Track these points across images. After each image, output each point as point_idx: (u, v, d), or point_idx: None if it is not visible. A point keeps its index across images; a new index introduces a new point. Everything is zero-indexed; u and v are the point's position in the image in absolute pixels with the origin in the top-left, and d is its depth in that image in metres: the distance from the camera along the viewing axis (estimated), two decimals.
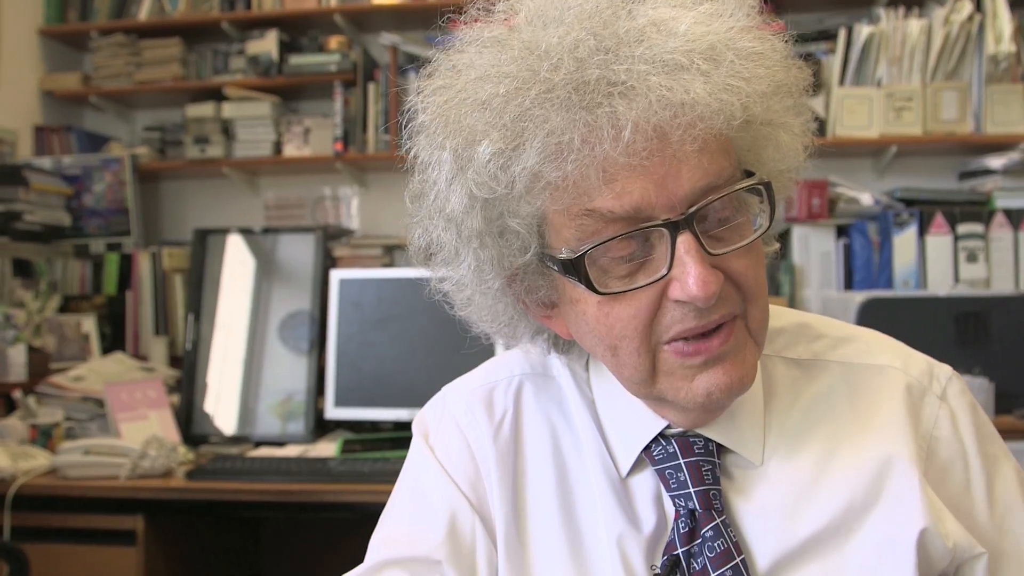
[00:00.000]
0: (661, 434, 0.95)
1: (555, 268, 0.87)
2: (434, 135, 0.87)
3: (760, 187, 0.85)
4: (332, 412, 2.83)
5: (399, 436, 2.69)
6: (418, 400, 2.68)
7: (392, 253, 3.36)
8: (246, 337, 3.04)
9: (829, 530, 0.92)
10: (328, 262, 3.17)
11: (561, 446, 1.00)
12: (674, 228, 0.81)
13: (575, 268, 0.84)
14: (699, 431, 0.94)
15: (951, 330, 2.66)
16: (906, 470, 0.92)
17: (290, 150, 3.41)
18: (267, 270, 3.10)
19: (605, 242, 0.82)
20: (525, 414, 1.02)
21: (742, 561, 0.90)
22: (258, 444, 2.87)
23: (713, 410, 0.91)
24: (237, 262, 3.13)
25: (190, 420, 2.94)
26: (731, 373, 0.86)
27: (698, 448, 0.94)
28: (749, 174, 0.86)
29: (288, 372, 2.98)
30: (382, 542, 1.00)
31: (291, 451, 2.70)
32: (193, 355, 3.02)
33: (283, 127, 3.44)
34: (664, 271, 0.82)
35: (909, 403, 0.96)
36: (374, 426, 2.88)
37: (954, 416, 0.96)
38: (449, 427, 1.03)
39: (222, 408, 2.97)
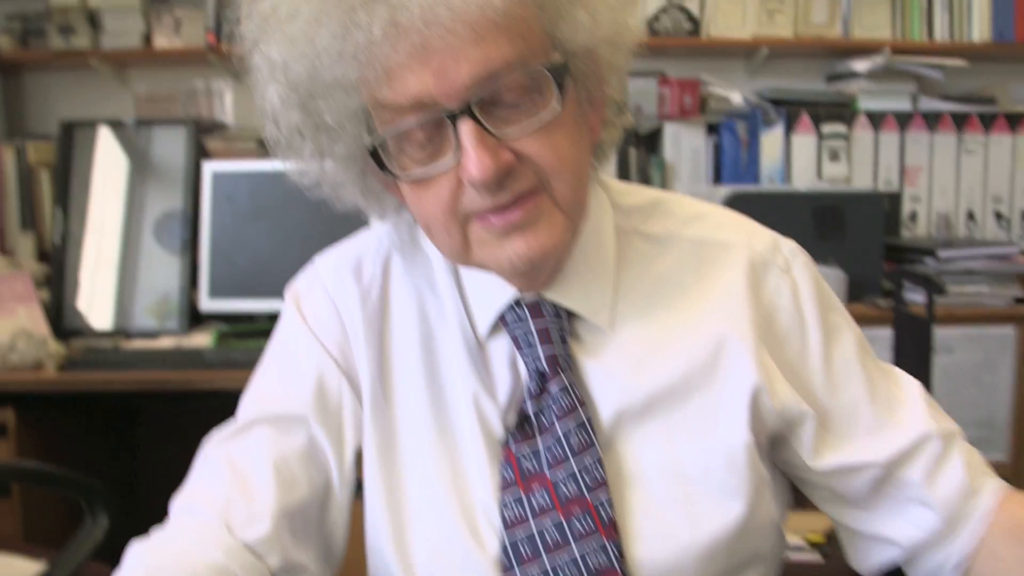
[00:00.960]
0: (516, 301, 1.00)
1: (369, 155, 0.92)
2: (252, 41, 0.92)
3: (548, 70, 0.88)
4: (206, 304, 2.82)
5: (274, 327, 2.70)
6: None
7: (267, 147, 3.32)
8: (120, 237, 2.98)
9: (668, 390, 0.98)
10: (201, 156, 3.12)
11: (427, 311, 1.05)
12: (455, 116, 0.86)
13: (377, 156, 0.90)
14: (550, 298, 1.00)
15: (810, 223, 2.79)
16: (742, 335, 0.99)
17: (160, 42, 3.31)
18: (140, 167, 3.04)
19: (398, 132, 0.88)
20: (393, 281, 1.06)
21: (586, 415, 0.97)
22: (131, 337, 2.84)
23: (526, 274, 0.96)
24: (107, 158, 3.06)
25: (60, 316, 2.89)
26: (530, 242, 0.90)
27: (548, 313, 0.99)
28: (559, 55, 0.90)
29: (164, 272, 2.94)
30: (251, 402, 1.04)
31: (165, 342, 2.70)
32: (62, 251, 2.96)
33: (152, 17, 3.33)
34: (452, 157, 0.87)
35: (752, 276, 1.02)
36: (249, 319, 2.88)
37: (796, 287, 1.02)
38: (319, 294, 1.07)
39: (96, 306, 2.93)
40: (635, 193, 1.10)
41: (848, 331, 1.04)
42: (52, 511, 2.59)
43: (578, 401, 0.97)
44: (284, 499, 0.97)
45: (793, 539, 2.26)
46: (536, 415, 0.98)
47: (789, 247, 1.05)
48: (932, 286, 2.14)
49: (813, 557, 2.18)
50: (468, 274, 1.04)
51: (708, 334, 1.00)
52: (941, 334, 2.83)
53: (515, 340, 1.00)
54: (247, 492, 0.96)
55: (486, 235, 0.91)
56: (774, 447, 1.03)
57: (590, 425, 0.97)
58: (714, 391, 0.99)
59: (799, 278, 1.03)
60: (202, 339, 2.72)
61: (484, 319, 1.02)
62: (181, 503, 0.99)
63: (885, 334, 2.49)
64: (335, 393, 1.02)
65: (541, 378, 0.98)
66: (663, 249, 1.05)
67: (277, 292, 2.70)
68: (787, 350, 1.01)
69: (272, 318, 2.83)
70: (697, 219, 1.07)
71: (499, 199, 0.88)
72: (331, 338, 1.04)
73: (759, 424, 0.98)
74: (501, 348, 1.02)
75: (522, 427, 0.98)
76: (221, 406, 2.88)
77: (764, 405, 0.98)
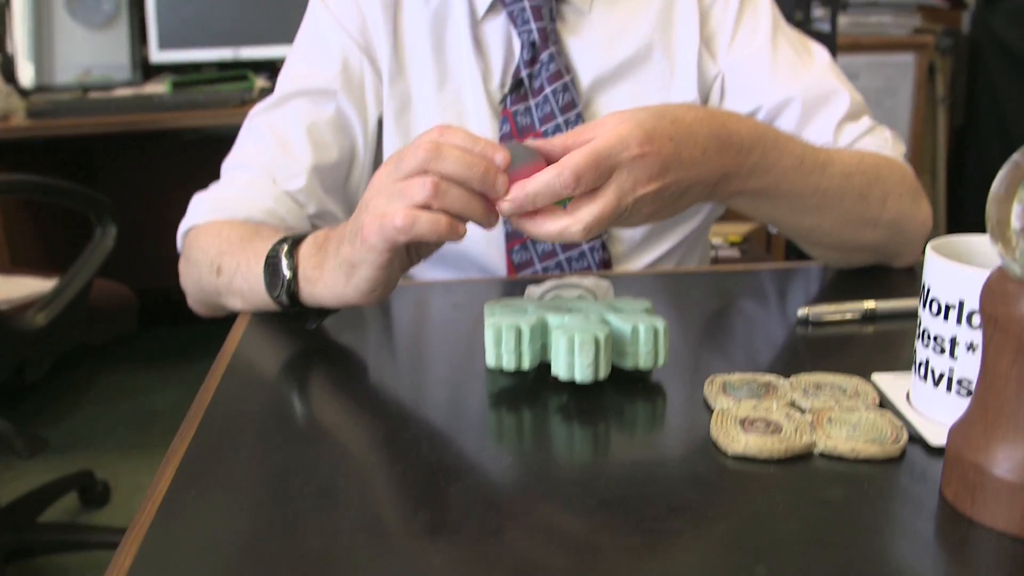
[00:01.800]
0: None
1: None
2: None
3: None
4: (157, 56, 2.90)
5: (227, 75, 2.82)
6: (240, 39, 2.82)
7: None
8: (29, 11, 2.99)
9: (634, 58, 1.20)
10: None
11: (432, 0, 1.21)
12: None
13: None
14: None
15: None
16: (686, 9, 1.21)
17: None
18: None
19: None
20: None
21: (570, 79, 1.17)
22: (87, 90, 2.93)
23: None
24: None
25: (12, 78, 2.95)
26: None
27: None
28: None
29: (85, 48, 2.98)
30: (286, 80, 1.22)
31: (123, 92, 2.80)
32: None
33: None
34: None
35: None
36: (196, 68, 2.97)
37: None
38: None
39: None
40: None
41: (766, 14, 1.23)
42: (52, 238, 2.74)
43: (564, 68, 1.17)
44: (317, 158, 1.17)
45: (717, 240, 2.57)
46: (529, 80, 1.18)
47: None
48: (834, 2, 2.39)
49: (733, 252, 2.51)
50: None
51: (660, 7, 1.21)
52: (848, 61, 3.07)
53: (511, 16, 1.19)
54: (287, 152, 1.16)
55: None
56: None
57: (573, 88, 1.17)
58: (668, 57, 1.21)
59: None
60: (157, 88, 2.82)
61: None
62: (231, 163, 1.19)
63: None
64: (357, 70, 1.20)
65: (533, 48, 1.18)
66: None
67: (224, 40, 2.83)
68: (711, 20, 1.22)
69: (221, 66, 2.96)
70: None
71: None
72: (352, 23, 1.21)
73: (703, 82, 1.20)
74: (498, 27, 1.21)
75: (517, 90, 1.19)
76: (172, 149, 3.04)
77: (704, 64, 1.20)
